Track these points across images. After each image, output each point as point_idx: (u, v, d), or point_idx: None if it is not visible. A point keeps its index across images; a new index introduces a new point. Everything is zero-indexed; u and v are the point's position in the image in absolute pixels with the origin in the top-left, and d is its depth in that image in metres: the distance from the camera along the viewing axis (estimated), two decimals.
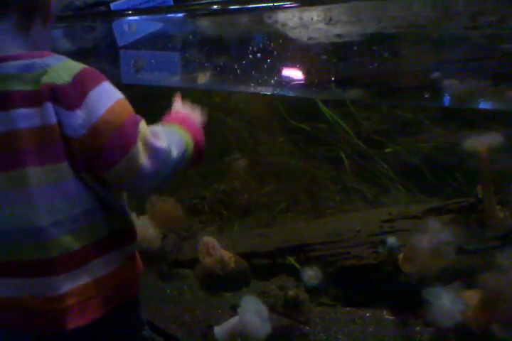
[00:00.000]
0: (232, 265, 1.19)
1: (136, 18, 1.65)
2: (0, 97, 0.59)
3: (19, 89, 0.59)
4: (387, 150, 1.43)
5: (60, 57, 0.62)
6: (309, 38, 1.17)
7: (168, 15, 1.55)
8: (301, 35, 1.17)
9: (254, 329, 0.92)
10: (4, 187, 0.60)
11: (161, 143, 0.62)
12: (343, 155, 1.48)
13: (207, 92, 1.74)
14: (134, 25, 1.66)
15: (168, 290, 1.25)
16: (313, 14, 1.10)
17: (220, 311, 1.14)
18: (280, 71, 1.26)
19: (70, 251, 0.61)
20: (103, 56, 1.70)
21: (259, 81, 1.27)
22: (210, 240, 1.24)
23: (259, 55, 1.20)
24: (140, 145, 0.59)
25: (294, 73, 1.25)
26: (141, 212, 1.37)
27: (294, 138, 1.66)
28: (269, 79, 1.26)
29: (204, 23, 1.50)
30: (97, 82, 0.60)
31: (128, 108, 0.62)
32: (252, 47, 1.22)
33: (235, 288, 1.20)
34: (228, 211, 1.57)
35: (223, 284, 1.20)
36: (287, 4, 1.10)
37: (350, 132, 1.51)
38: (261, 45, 1.22)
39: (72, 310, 0.60)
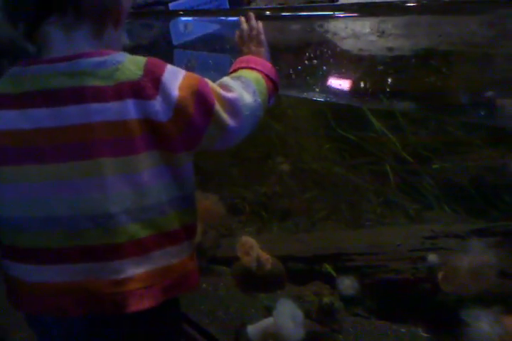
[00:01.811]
0: (269, 266, 1.20)
1: (191, 18, 1.69)
2: (76, 92, 0.62)
3: (94, 85, 0.62)
4: (434, 166, 1.41)
5: (124, 53, 0.65)
6: (360, 49, 1.17)
7: (223, 18, 1.59)
8: (352, 45, 1.18)
9: (288, 333, 0.94)
10: (77, 175, 0.62)
11: (232, 93, 0.65)
12: (388, 168, 1.47)
13: None
14: (189, 26, 1.70)
15: (204, 285, 1.27)
16: (366, 25, 1.11)
17: (253, 310, 1.16)
18: (329, 78, 1.27)
19: (137, 239, 0.62)
20: (158, 54, 1.74)
21: (308, 87, 1.29)
22: (249, 240, 1.26)
23: (309, 62, 1.21)
24: (217, 103, 0.63)
25: (343, 82, 1.26)
26: None
27: (339, 146, 1.66)
28: (317, 85, 1.27)
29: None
30: (162, 68, 0.63)
31: (193, 76, 0.65)
32: (303, 54, 1.24)
33: (270, 290, 1.21)
34: (268, 214, 1.58)
35: (258, 284, 1.21)
36: (340, 14, 1.11)
37: (397, 145, 1.51)
38: (312, 53, 1.23)
39: (133, 295, 0.62)
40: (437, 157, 1.45)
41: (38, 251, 0.65)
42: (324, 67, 1.20)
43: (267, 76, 0.74)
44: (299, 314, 0.95)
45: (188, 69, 1.64)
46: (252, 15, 0.89)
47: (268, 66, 0.77)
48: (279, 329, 0.94)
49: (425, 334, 1.03)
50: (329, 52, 1.20)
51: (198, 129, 0.63)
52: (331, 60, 1.19)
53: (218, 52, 1.57)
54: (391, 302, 1.09)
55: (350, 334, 1.04)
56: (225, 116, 0.64)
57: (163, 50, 1.70)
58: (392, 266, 1.11)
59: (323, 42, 1.22)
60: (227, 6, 2.04)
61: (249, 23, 0.88)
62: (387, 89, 1.11)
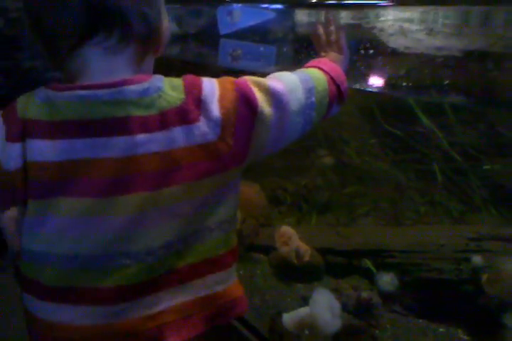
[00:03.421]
0: (307, 257, 1.20)
1: (239, 7, 1.68)
2: (120, 122, 0.58)
3: (139, 115, 0.57)
4: (485, 166, 1.37)
5: (159, 77, 0.61)
6: (406, 47, 1.15)
7: (268, 6, 1.58)
8: (398, 42, 1.15)
9: (324, 323, 0.93)
10: (113, 211, 0.58)
11: (281, 84, 0.61)
12: (436, 167, 1.44)
13: None
14: (236, 16, 1.71)
15: (241, 272, 1.29)
16: (414, 23, 1.08)
17: (289, 300, 1.16)
18: (375, 72, 1.25)
19: (174, 269, 0.59)
20: (205, 42, 1.76)
21: (354, 79, 1.27)
22: (288, 230, 1.27)
23: (358, 52, 1.20)
24: (261, 98, 0.59)
25: (387, 77, 1.24)
26: None
27: (384, 142, 1.64)
28: (363, 78, 1.25)
29: (304, 19, 1.52)
30: (200, 86, 0.60)
31: (228, 81, 0.61)
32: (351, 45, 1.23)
33: (307, 281, 1.21)
34: (308, 206, 1.58)
35: (296, 275, 1.22)
36: (384, 3, 1.09)
37: (446, 143, 1.47)
38: (357, 44, 1.22)
39: (170, 327, 0.59)
40: (486, 158, 1.41)
41: (63, 290, 0.59)
42: (368, 60, 1.18)
43: (332, 80, 0.68)
44: (337, 305, 0.95)
45: (233, 58, 1.65)
46: (331, 18, 0.84)
47: (339, 72, 0.71)
48: (315, 318, 0.94)
49: (465, 336, 1.01)
50: (378, 42, 1.18)
51: (245, 134, 0.59)
52: (376, 54, 1.17)
53: (264, 43, 1.56)
54: (431, 301, 1.07)
55: (387, 330, 1.03)
56: (269, 110, 0.59)
57: (210, 38, 1.71)
58: (434, 265, 1.09)
59: (371, 32, 1.20)
60: None
61: (328, 27, 0.82)
62: (439, 83, 1.09)
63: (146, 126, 0.57)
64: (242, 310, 0.65)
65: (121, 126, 0.57)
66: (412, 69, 1.16)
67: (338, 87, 0.68)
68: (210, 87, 0.60)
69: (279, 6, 1.46)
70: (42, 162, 0.58)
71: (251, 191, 1.40)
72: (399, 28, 1.12)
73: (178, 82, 0.60)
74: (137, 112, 0.57)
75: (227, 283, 0.62)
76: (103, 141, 0.57)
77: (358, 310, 1.05)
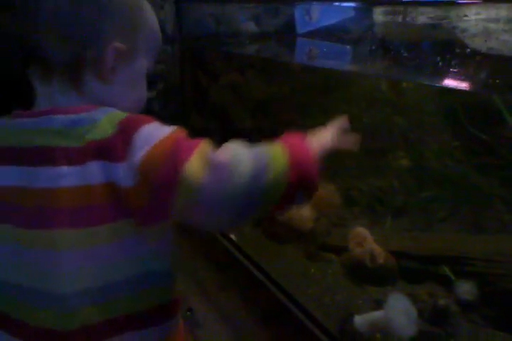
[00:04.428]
0: (381, 260, 1.19)
1: (316, 6, 1.68)
2: (43, 153, 0.56)
3: (63, 146, 0.55)
4: None
5: (109, 109, 0.57)
6: (489, 48, 1.10)
7: (345, 5, 1.57)
8: (480, 44, 1.10)
9: (399, 328, 0.92)
10: (35, 245, 0.55)
11: (224, 155, 0.51)
12: None
13: (378, 86, 1.72)
14: (313, 15, 1.70)
15: (312, 270, 1.29)
16: (500, 24, 1.03)
17: (360, 302, 1.15)
18: (457, 74, 1.21)
19: (91, 324, 0.54)
20: (281, 41, 1.78)
21: (435, 77, 1.23)
22: (363, 231, 1.26)
23: (436, 49, 1.16)
24: (196, 161, 0.50)
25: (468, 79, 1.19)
26: None
27: (467, 145, 1.57)
28: (444, 77, 1.21)
29: (380, 18, 1.49)
30: (139, 126, 0.54)
31: (171, 138, 0.53)
32: (428, 45, 1.19)
33: (380, 284, 1.20)
34: (382, 208, 1.55)
35: (368, 277, 1.20)
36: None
37: None
38: (437, 44, 1.18)
39: None
40: None
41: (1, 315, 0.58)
42: (448, 60, 1.14)
43: (298, 164, 0.54)
44: (413, 311, 0.93)
45: (309, 58, 1.65)
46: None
47: (306, 152, 0.56)
48: (390, 322, 0.93)
49: None
50: (459, 42, 1.14)
51: (164, 195, 0.51)
52: (457, 54, 1.13)
53: (341, 42, 1.55)
54: None
55: (464, 340, 1.00)
56: (200, 179, 0.50)
57: (287, 37, 1.73)
58: None
59: (452, 31, 1.16)
60: None
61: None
62: None
63: (68, 158, 0.54)
64: None
65: (45, 156, 0.55)
66: (497, 69, 1.11)
67: (299, 176, 0.54)
68: (150, 133, 0.53)
69: (354, 4, 1.45)
70: None
71: (325, 191, 1.40)
72: (483, 28, 1.08)
73: (120, 116, 0.56)
74: (62, 143, 0.55)
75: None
76: (31, 170, 0.56)
77: (434, 318, 1.02)
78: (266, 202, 0.53)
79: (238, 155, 0.52)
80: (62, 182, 0.54)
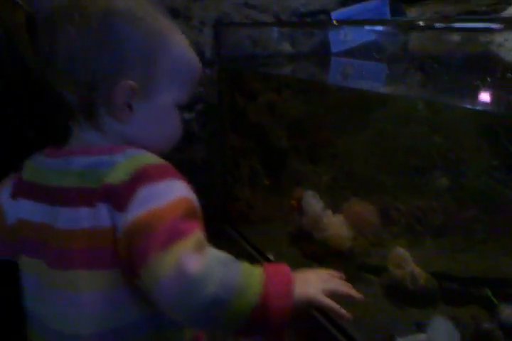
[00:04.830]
0: (422, 282, 1.18)
1: (350, 28, 1.71)
2: (64, 193, 0.58)
3: (80, 186, 0.57)
4: None
5: (135, 152, 0.57)
6: None
7: (380, 28, 1.58)
8: None
9: None
10: (59, 284, 0.57)
11: (198, 264, 0.47)
12: None
13: (413, 104, 1.72)
14: (348, 35, 1.73)
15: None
16: None
17: (400, 324, 1.14)
18: (493, 92, 1.21)
19: None
20: (316, 60, 1.81)
21: (470, 99, 1.23)
22: (402, 252, 1.25)
23: (472, 71, 1.16)
24: (168, 257, 0.47)
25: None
26: (336, 209, 1.44)
27: (508, 164, 1.55)
28: (480, 97, 1.21)
29: (413, 37, 1.50)
30: (153, 179, 0.53)
31: (177, 212, 0.51)
32: (464, 65, 1.19)
33: (421, 306, 1.18)
34: (422, 228, 1.54)
35: (409, 299, 1.19)
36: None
37: None
38: (472, 63, 1.18)
39: None
40: None
41: None
42: (485, 79, 1.14)
43: (267, 302, 0.49)
44: (456, 334, 0.92)
45: (343, 76, 1.68)
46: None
47: (284, 295, 0.52)
48: None
49: None
50: (494, 62, 1.14)
51: (135, 265, 0.50)
52: (495, 71, 1.12)
53: (375, 61, 1.57)
54: None
55: None
56: (159, 275, 0.47)
57: (321, 57, 1.75)
58: None
59: (483, 53, 1.15)
60: (388, 14, 2.03)
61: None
62: None
63: (85, 199, 0.55)
64: None
65: (66, 197, 0.57)
66: None
67: (264, 314, 0.49)
68: (153, 194, 0.52)
69: (388, 28, 1.47)
70: (26, 220, 0.61)
71: (363, 210, 1.40)
72: None
73: (141, 162, 0.55)
74: (79, 184, 0.56)
75: None
76: (55, 210, 0.58)
77: None
78: (222, 325, 0.50)
79: (211, 269, 0.48)
80: (79, 224, 0.56)
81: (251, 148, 2.07)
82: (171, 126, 0.64)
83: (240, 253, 1.58)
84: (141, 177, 0.54)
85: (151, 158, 0.57)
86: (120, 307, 0.55)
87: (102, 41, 0.56)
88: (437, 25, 1.26)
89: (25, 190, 0.63)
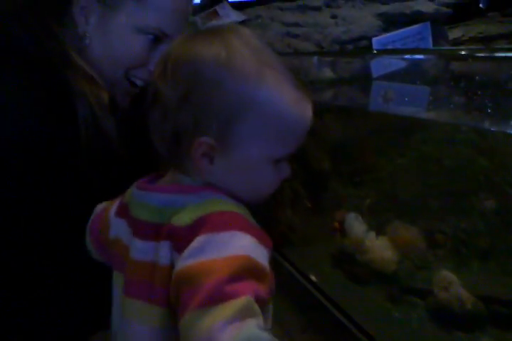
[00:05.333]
0: (469, 305, 1.16)
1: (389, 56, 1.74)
2: (137, 225, 0.60)
3: (149, 221, 0.59)
4: None
5: (211, 195, 0.57)
6: None
7: (419, 57, 1.61)
8: None
9: None
10: (124, 308, 0.60)
11: (233, 338, 0.43)
12: None
13: (455, 128, 1.72)
14: (389, 60, 1.76)
15: (396, 314, 1.28)
16: None
17: None
18: None
19: None
20: (357, 85, 1.85)
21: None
22: (449, 275, 1.24)
23: None
24: (203, 319, 0.44)
25: None
26: (380, 232, 1.45)
27: None
28: None
29: (455, 64, 1.52)
30: (215, 228, 0.51)
31: (227, 270, 0.47)
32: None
33: (468, 329, 1.17)
34: (468, 251, 1.52)
35: (456, 322, 1.18)
36: None
37: None
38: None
39: None
40: None
41: None
42: None
43: None
44: None
45: (385, 101, 1.71)
46: None
47: None
48: None
49: None
50: None
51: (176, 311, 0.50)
52: None
53: (416, 85, 1.59)
54: None
55: None
56: (186, 334, 0.46)
57: (363, 82, 1.79)
58: None
59: None
60: (430, 41, 2.05)
61: None
62: None
63: (151, 233, 0.58)
64: None
65: (141, 230, 0.59)
66: None
67: None
68: (209, 244, 0.50)
69: (429, 57, 1.50)
70: (119, 238, 0.66)
71: (408, 233, 1.41)
72: None
73: (209, 208, 0.54)
74: (150, 219, 0.59)
75: None
76: (132, 240, 0.61)
77: None
78: None
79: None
80: (140, 255, 0.58)
81: (293, 171, 2.10)
82: (259, 180, 0.63)
83: (283, 275, 1.60)
84: (201, 226, 0.52)
85: (223, 205, 0.56)
86: None
87: (186, 98, 0.57)
88: (478, 54, 1.28)
89: (122, 211, 0.66)
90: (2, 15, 0.78)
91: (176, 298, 0.50)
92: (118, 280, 0.63)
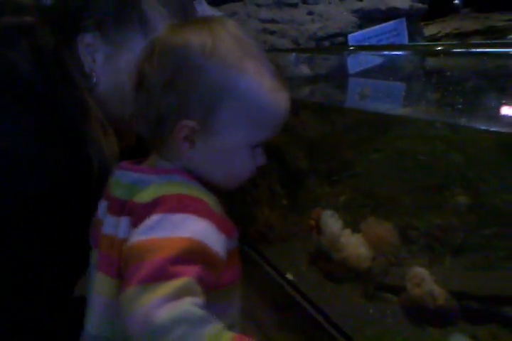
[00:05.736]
0: (441, 301, 1.17)
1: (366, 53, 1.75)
2: (109, 201, 0.64)
3: (119, 198, 0.62)
4: None
5: (177, 178, 0.60)
6: None
7: (395, 53, 1.62)
8: None
9: None
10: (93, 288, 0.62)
11: (165, 314, 0.45)
12: None
13: (429, 124, 1.73)
14: (364, 57, 1.76)
15: (371, 311, 1.29)
16: None
17: None
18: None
19: None
20: (333, 82, 1.85)
21: (487, 119, 1.25)
22: (421, 271, 1.25)
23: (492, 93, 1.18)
24: (143, 295, 0.47)
25: None
26: (355, 229, 1.45)
27: None
28: (496, 117, 1.23)
29: (429, 60, 1.53)
30: (170, 209, 0.54)
31: (173, 251, 0.49)
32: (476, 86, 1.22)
33: (441, 325, 1.18)
34: (441, 246, 1.53)
35: (429, 318, 1.19)
36: None
37: None
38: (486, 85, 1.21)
39: None
40: None
41: None
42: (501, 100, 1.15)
43: None
44: None
45: (361, 97, 1.71)
46: None
47: None
48: None
49: None
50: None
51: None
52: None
53: (392, 81, 1.60)
54: None
55: None
56: (127, 309, 0.47)
57: (339, 79, 1.79)
58: None
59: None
60: (406, 37, 2.06)
61: None
62: None
63: (117, 209, 0.60)
64: None
65: (113, 205, 0.62)
66: None
67: None
68: (160, 224, 0.53)
69: (406, 53, 1.50)
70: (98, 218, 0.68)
71: (382, 229, 1.41)
72: None
73: (168, 190, 0.57)
74: (119, 195, 0.62)
75: None
76: (106, 216, 0.64)
77: None
78: None
79: (175, 324, 0.45)
80: (109, 229, 0.61)
81: (270, 169, 2.10)
82: (236, 165, 0.66)
83: (258, 273, 1.60)
84: (158, 205, 0.55)
85: (186, 188, 0.58)
86: (116, 317, 0.55)
87: (171, 83, 0.59)
88: (454, 50, 1.29)
89: (106, 193, 0.68)
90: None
91: (124, 271, 0.53)
92: (94, 257, 0.65)
